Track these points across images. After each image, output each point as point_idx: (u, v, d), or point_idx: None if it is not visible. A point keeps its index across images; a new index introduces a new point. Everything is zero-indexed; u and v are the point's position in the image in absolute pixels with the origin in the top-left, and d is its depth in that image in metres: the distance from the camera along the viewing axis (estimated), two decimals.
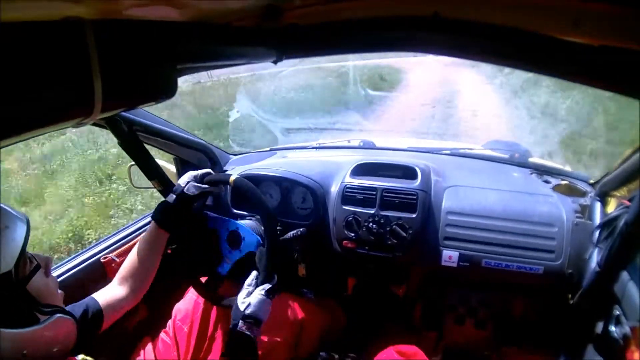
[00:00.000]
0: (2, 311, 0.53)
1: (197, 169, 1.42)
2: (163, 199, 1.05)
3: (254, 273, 0.94)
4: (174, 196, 0.98)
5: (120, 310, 0.86)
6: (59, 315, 0.60)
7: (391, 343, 1.15)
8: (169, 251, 1.20)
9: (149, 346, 1.11)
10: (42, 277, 0.62)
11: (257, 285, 0.91)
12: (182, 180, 1.01)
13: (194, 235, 1.09)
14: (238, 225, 1.08)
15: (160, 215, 0.96)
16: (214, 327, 1.14)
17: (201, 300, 1.17)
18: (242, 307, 0.86)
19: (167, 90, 0.58)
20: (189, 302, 1.20)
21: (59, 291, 0.67)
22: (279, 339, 1.09)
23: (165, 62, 0.55)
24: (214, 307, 1.18)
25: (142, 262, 0.93)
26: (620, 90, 0.53)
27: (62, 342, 0.61)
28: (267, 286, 0.90)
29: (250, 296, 0.88)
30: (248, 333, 0.83)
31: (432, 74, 8.07)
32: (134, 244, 1.24)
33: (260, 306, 0.87)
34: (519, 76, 5.44)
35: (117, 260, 1.19)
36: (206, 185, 1.00)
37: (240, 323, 0.84)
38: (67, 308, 0.68)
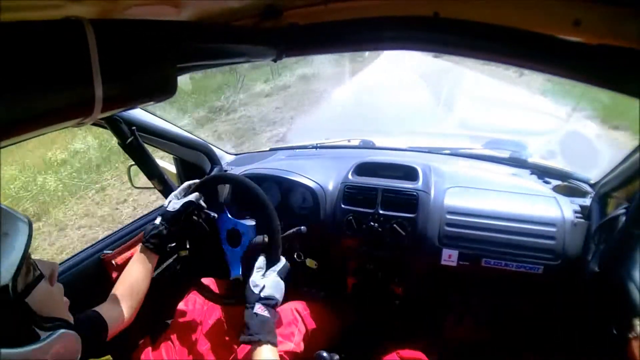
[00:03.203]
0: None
1: (197, 170, 1.43)
2: None
3: (262, 257, 0.94)
4: (159, 218, 1.00)
5: (114, 329, 0.83)
6: (61, 331, 0.55)
7: (391, 344, 1.15)
8: (167, 249, 1.21)
9: (151, 345, 1.11)
10: (45, 287, 0.56)
11: (267, 268, 0.91)
12: (169, 198, 1.06)
13: (195, 241, 1.12)
14: (235, 222, 1.09)
15: (149, 240, 0.97)
16: (215, 331, 1.14)
17: (202, 299, 1.17)
18: (256, 290, 0.86)
19: (167, 89, 0.58)
20: (190, 302, 1.21)
21: (65, 299, 0.62)
22: (283, 340, 1.09)
23: (165, 61, 0.55)
24: (215, 306, 1.19)
25: (134, 283, 0.93)
26: (619, 88, 0.53)
27: (67, 357, 0.55)
28: (279, 266, 0.91)
29: (264, 278, 0.89)
30: (266, 314, 0.83)
31: None
32: (135, 242, 1.24)
33: (275, 287, 0.87)
34: None
35: (118, 257, 1.19)
36: (189, 198, 1.03)
37: (257, 305, 0.84)
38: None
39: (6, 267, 0.48)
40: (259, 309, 0.83)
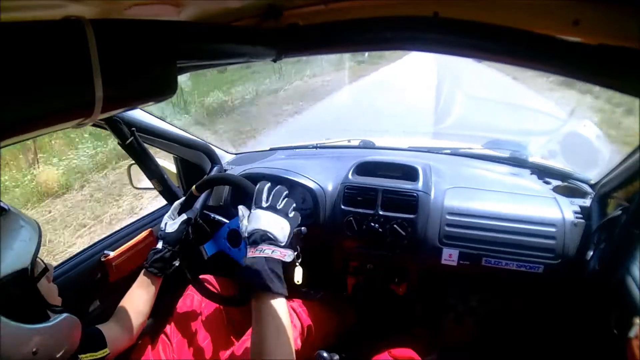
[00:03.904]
0: (16, 307, 0.54)
1: (197, 169, 1.43)
2: None
3: (241, 206, 0.86)
4: (160, 241, 1.04)
5: (116, 349, 0.86)
6: (67, 314, 0.61)
7: (390, 343, 1.15)
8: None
9: (149, 345, 1.11)
10: (45, 281, 0.63)
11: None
12: (164, 220, 1.09)
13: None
14: (229, 223, 1.11)
15: (152, 265, 1.00)
16: (214, 326, 1.14)
17: (201, 298, 1.18)
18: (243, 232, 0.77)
19: (167, 89, 0.58)
20: (188, 298, 1.21)
21: (58, 298, 0.68)
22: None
23: (165, 61, 0.55)
24: (214, 305, 1.19)
25: (136, 307, 0.96)
26: (619, 88, 0.53)
27: (71, 341, 0.62)
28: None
29: (244, 220, 0.80)
30: (257, 256, 0.72)
31: None
32: (134, 243, 1.24)
33: (257, 219, 0.77)
34: None
35: (117, 259, 1.19)
36: (184, 217, 1.06)
37: (249, 250, 0.73)
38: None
39: (27, 253, 0.57)
40: (250, 254, 0.73)
